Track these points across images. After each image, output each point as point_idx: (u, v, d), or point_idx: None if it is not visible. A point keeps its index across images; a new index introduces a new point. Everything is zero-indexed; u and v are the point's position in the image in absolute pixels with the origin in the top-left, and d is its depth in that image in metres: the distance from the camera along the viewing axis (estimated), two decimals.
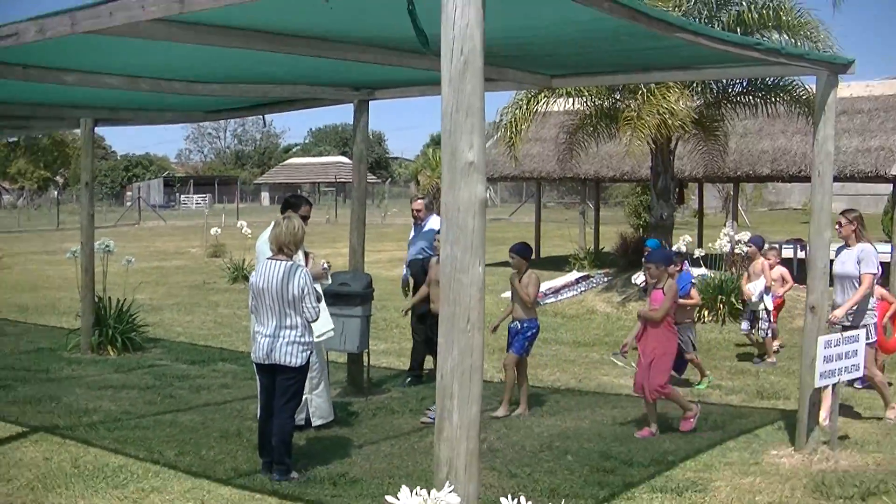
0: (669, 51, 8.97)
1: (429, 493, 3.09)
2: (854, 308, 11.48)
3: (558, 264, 27.46)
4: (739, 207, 57.63)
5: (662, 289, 11.27)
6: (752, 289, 16.01)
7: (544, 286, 21.96)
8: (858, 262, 11.52)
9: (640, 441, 10.88)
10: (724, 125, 23.55)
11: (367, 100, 13.06)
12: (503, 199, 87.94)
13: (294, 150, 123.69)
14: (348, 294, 12.47)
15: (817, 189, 10.21)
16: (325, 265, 11.04)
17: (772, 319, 16.26)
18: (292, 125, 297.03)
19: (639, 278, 17.40)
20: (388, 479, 9.26)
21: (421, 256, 14.16)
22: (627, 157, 22.19)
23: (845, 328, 10.96)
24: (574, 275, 23.58)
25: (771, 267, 16.52)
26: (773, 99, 22.20)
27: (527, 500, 3.14)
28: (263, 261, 9.62)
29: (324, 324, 10.79)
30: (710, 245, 21.30)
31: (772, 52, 9.46)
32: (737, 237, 19.81)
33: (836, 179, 28.70)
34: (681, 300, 12.78)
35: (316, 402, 11.20)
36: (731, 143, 25.71)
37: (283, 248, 9.38)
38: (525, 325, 12.14)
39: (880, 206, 42.83)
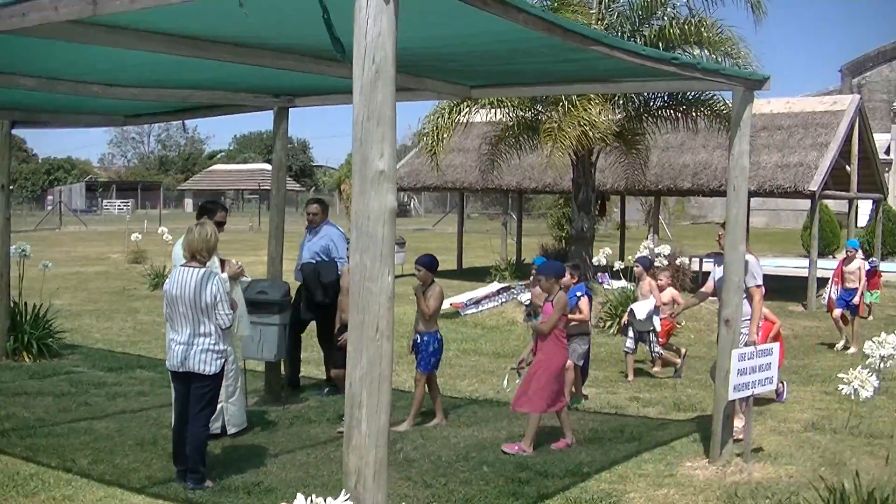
0: (587, 63, 9.01)
1: (324, 501, 3.07)
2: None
3: (480, 275, 27.54)
4: (662, 221, 58.21)
5: (552, 301, 11.16)
6: (640, 309, 15.71)
7: (466, 297, 22.00)
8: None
9: (556, 452, 10.86)
10: (646, 139, 23.79)
11: (287, 107, 13.01)
12: (427, 209, 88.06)
13: (218, 156, 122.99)
14: (266, 302, 12.37)
15: (733, 203, 10.30)
16: (238, 265, 11.00)
17: (658, 341, 16.01)
18: (217, 131, 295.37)
19: (523, 295, 17.24)
20: (303, 487, 9.15)
21: (314, 261, 13.87)
22: (549, 169, 22.29)
23: None
24: (495, 286, 23.61)
25: (661, 288, 16.23)
26: (694, 113, 22.48)
27: None
28: (177, 267, 9.55)
29: (243, 328, 10.86)
30: (629, 258, 21.43)
31: (687, 66, 9.54)
32: (657, 250, 19.94)
33: (756, 195, 29.43)
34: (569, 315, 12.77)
35: (231, 411, 11.13)
36: (652, 156, 25.98)
37: (195, 254, 9.31)
38: (426, 338, 12.05)
39: (800, 221, 43.42)
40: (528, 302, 15.26)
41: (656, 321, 15.79)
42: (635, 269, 16.82)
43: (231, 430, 11.13)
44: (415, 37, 7.63)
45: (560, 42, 7.26)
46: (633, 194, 32.47)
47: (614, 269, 20.27)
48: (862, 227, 46.10)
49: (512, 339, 19.72)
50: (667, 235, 51.37)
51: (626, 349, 16.04)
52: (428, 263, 12.09)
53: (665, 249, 19.89)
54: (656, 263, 19.26)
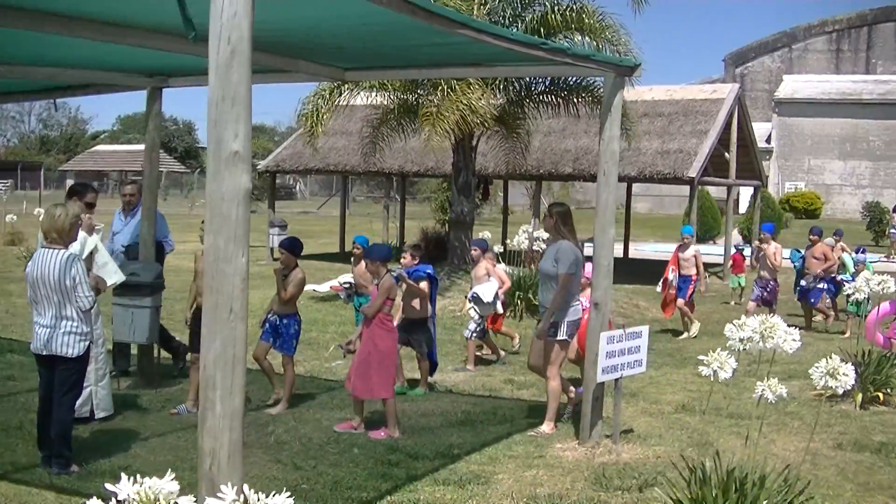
0: (458, 47, 9.04)
1: (151, 480, 3.04)
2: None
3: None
4: (546, 205, 58.52)
5: (377, 284, 11.05)
6: (485, 292, 15.18)
7: (345, 279, 21.87)
8: (556, 262, 11.02)
9: (427, 434, 10.91)
10: (527, 123, 23.88)
11: (161, 87, 12.84)
12: (313, 192, 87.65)
13: (102, 136, 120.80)
14: (137, 284, 12.21)
15: (602, 188, 10.40)
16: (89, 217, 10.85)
17: (484, 324, 15.43)
18: (100, 111, 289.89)
19: (343, 276, 16.84)
20: (173, 471, 9.10)
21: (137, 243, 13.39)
22: (431, 153, 22.31)
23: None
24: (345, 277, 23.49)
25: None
26: (576, 99, 22.62)
27: (255, 491, 3.11)
28: (39, 249, 9.40)
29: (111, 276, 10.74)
30: (509, 242, 21.54)
31: (558, 52, 9.61)
32: (536, 234, 20.05)
33: (636, 180, 29.80)
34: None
35: (101, 395, 10.98)
36: (534, 141, 26.11)
37: (46, 235, 9.18)
38: (286, 320, 12.00)
39: (683, 207, 44.05)
40: (349, 284, 15.06)
41: (499, 304, 15.59)
42: (472, 252, 16.21)
43: (100, 415, 10.97)
44: (285, 18, 7.59)
45: (426, 25, 7.26)
46: (515, 179, 32.67)
47: (495, 253, 20.34)
48: (742, 214, 46.93)
49: None
50: None
51: (468, 334, 15.40)
52: (289, 247, 12.03)
53: (544, 234, 19.99)
54: (535, 247, 19.39)
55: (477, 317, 15.27)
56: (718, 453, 8.40)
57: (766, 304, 19.04)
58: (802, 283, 20.12)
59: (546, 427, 11.16)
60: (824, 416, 12.30)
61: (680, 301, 18.81)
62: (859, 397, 12.89)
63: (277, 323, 12.00)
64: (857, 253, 21.15)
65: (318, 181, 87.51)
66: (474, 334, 15.28)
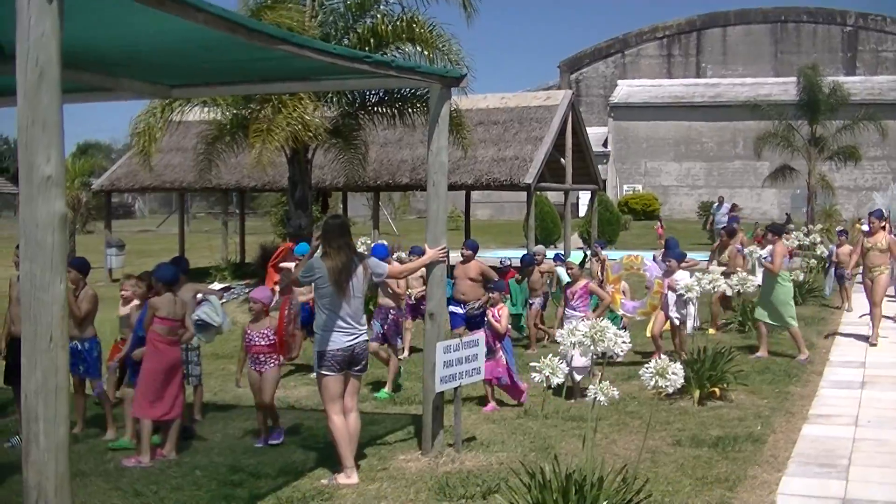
0: (283, 62, 8.97)
1: None
2: None
3: (202, 276, 27.15)
4: (387, 216, 58.67)
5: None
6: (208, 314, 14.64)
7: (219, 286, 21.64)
8: None
9: (270, 452, 10.81)
10: (363, 135, 23.89)
11: None
12: (152, 210, 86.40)
13: None
14: None
15: (433, 199, 10.41)
16: None
17: None
18: None
19: (216, 285, 16.37)
20: None
21: None
22: (268, 167, 22.14)
23: None
24: (215, 286, 23.32)
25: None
26: (409, 109, 22.69)
27: None
28: None
29: None
30: None
31: (382, 65, 9.61)
32: (377, 242, 20.06)
33: (473, 188, 29.99)
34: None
35: None
36: (371, 152, 26.13)
37: None
38: (87, 344, 11.76)
39: (523, 213, 44.48)
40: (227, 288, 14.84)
41: None
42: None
43: None
44: (102, 36, 7.45)
45: (247, 42, 7.20)
46: (353, 190, 32.69)
47: None
48: (581, 218, 47.60)
49: (232, 339, 19.43)
50: (393, 230, 51.92)
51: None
52: (78, 266, 11.66)
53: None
54: None
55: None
56: (557, 457, 8.50)
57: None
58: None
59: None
60: (663, 414, 12.54)
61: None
62: (696, 394, 13.15)
63: (80, 348, 11.67)
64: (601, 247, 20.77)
65: (157, 199, 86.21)
66: None
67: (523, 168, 27.96)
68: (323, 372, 9.69)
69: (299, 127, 19.24)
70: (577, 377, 13.22)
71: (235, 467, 10.21)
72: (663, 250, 17.20)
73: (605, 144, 70.64)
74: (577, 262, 13.23)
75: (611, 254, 22.96)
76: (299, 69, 9.73)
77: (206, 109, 22.75)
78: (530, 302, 18.20)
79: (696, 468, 10.08)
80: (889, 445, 11.14)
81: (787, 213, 64.14)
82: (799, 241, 27.75)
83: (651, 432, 11.45)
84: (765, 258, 16.84)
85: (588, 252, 21.98)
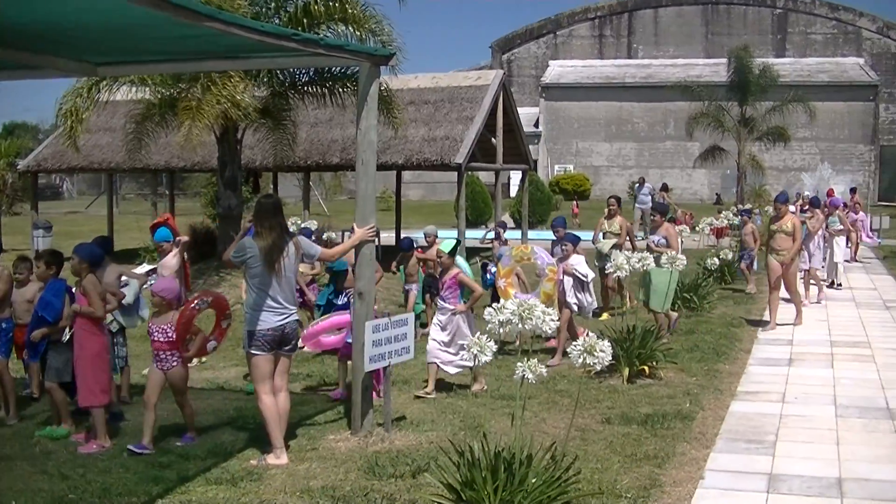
0: (210, 40, 8.88)
1: None
2: None
3: (131, 258, 26.91)
4: (318, 196, 58.51)
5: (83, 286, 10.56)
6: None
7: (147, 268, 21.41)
8: None
9: (201, 433, 10.71)
10: (294, 115, 23.77)
11: None
12: (81, 192, 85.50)
13: None
14: None
15: (362, 177, 10.41)
16: None
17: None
18: None
19: (143, 267, 15.79)
20: None
21: None
22: (198, 148, 21.92)
23: None
24: (145, 267, 23.06)
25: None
26: (340, 89, 22.60)
27: None
28: None
29: None
30: None
31: (310, 42, 9.55)
32: (303, 225, 19.99)
33: (404, 168, 29.97)
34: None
35: None
36: (301, 132, 26.04)
37: None
38: (2, 324, 11.62)
39: (455, 193, 44.54)
40: (153, 271, 14.41)
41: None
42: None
43: None
44: (24, 11, 7.34)
45: (174, 18, 7.12)
46: (283, 170, 32.54)
47: None
48: (512, 198, 47.73)
49: None
50: (324, 211, 51.79)
51: None
52: None
53: (312, 224, 19.98)
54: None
55: None
56: (486, 435, 8.53)
57: None
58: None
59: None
60: (593, 392, 12.63)
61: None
62: (626, 372, 13.26)
63: None
64: None
65: (86, 180, 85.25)
66: None
67: (454, 148, 27.93)
68: (253, 351, 9.67)
69: (229, 105, 19.06)
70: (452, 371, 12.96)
71: (164, 449, 10.15)
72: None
73: (536, 125, 70.85)
74: (448, 250, 12.89)
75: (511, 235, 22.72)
76: (228, 47, 9.64)
77: (134, 89, 22.50)
78: (406, 288, 18.05)
79: (625, 446, 10.18)
80: (814, 421, 11.32)
81: (717, 194, 65.01)
82: (728, 220, 28.02)
83: (581, 410, 11.53)
84: (657, 242, 16.57)
85: (490, 233, 21.71)
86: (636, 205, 39.80)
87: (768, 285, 18.38)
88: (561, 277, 14.92)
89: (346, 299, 13.36)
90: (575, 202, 50.58)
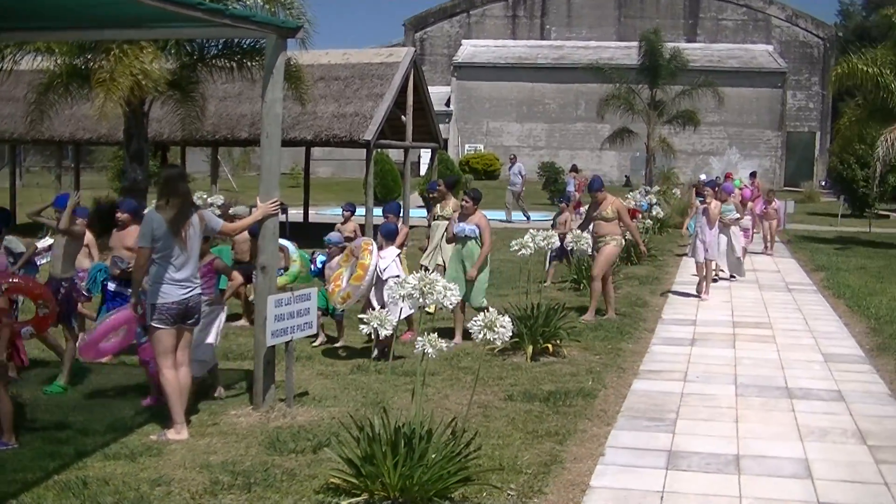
0: (113, 7, 8.76)
1: None
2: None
3: (34, 231, 26.49)
4: (227, 171, 58.05)
5: None
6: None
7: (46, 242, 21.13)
8: None
9: (99, 410, 10.58)
10: (202, 88, 23.57)
11: None
12: None
13: None
14: None
15: (266, 151, 10.28)
16: None
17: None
18: None
19: (44, 241, 15.59)
20: None
21: None
22: (103, 119, 21.64)
23: None
24: (46, 241, 22.76)
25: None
26: (249, 63, 22.47)
27: None
28: None
29: None
30: None
31: (216, 12, 9.44)
32: (210, 200, 19.79)
33: (312, 144, 29.88)
34: None
35: None
36: (210, 106, 25.84)
37: None
38: None
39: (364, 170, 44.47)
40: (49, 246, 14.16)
41: None
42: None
43: None
44: None
45: None
46: (191, 144, 32.28)
47: None
48: (421, 177, 47.73)
49: None
50: (232, 186, 51.39)
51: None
52: None
53: (218, 199, 19.78)
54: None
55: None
56: (386, 410, 8.52)
57: None
58: None
59: None
60: (496, 370, 12.66)
61: None
62: (530, 349, 13.31)
63: None
64: None
65: None
66: None
67: (363, 125, 27.87)
68: (156, 325, 9.56)
69: (142, 77, 18.83)
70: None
71: (63, 424, 9.99)
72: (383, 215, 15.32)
73: (448, 104, 70.80)
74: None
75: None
76: (129, 15, 9.50)
77: (39, 58, 22.14)
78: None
79: (526, 422, 10.22)
80: (714, 400, 11.47)
81: (626, 176, 65.49)
82: (636, 202, 28.22)
83: (483, 387, 11.57)
84: (470, 230, 14.45)
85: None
86: (508, 187, 39.21)
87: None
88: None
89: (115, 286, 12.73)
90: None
